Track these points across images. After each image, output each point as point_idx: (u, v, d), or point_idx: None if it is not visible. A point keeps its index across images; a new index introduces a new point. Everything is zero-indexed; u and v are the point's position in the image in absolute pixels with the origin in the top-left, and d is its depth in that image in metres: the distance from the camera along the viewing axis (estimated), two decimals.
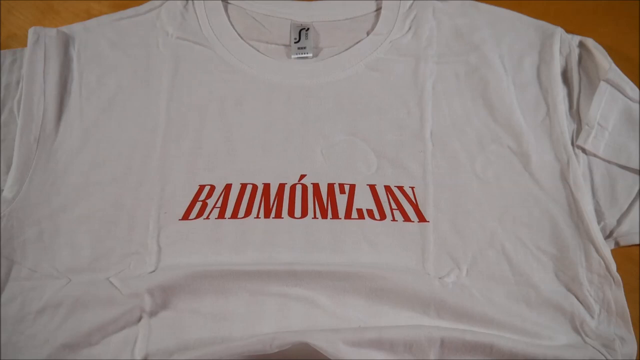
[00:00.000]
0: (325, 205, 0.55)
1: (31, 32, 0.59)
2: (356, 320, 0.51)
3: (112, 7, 0.67)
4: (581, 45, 0.61)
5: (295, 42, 0.62)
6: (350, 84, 0.60)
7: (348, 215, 0.55)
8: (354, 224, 0.54)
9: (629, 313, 0.52)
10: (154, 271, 0.53)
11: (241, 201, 0.55)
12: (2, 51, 0.60)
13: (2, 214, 0.53)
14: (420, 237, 0.54)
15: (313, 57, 0.62)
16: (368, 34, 0.62)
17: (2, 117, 0.57)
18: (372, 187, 0.56)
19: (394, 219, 0.54)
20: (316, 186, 0.56)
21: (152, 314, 0.51)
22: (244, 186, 0.56)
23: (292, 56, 0.62)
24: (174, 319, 0.52)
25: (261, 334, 0.49)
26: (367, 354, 0.49)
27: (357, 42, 0.62)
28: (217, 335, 0.51)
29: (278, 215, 0.55)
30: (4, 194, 0.54)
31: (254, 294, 0.52)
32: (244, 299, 0.52)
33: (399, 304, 0.52)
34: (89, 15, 0.66)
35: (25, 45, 0.59)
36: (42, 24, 0.65)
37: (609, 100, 0.57)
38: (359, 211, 0.55)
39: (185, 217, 0.55)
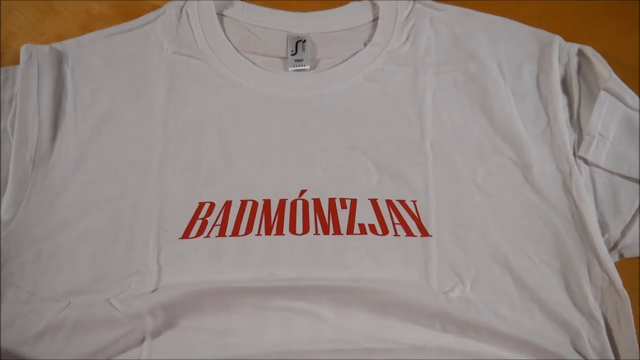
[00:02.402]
0: (327, 220, 0.54)
1: (23, 49, 0.57)
2: (360, 334, 0.51)
3: (112, 7, 0.66)
4: (580, 53, 0.60)
5: (292, 55, 0.61)
6: (348, 96, 0.59)
7: (350, 231, 0.54)
8: (356, 239, 0.54)
9: (634, 330, 0.51)
10: (154, 291, 0.52)
11: (241, 218, 0.54)
12: None
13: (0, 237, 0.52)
14: (423, 252, 0.54)
15: (310, 69, 0.61)
16: (365, 44, 0.62)
17: None
18: (374, 202, 0.55)
19: (396, 234, 0.54)
20: (317, 201, 0.55)
21: (154, 334, 0.51)
22: (244, 203, 0.55)
23: (289, 69, 0.61)
24: (176, 338, 0.51)
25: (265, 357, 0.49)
26: None
27: (354, 53, 0.61)
28: (221, 353, 0.50)
29: (279, 232, 0.54)
30: (0, 216, 0.53)
31: (256, 309, 0.52)
32: (246, 314, 0.52)
33: (404, 317, 0.52)
34: (89, 15, 0.66)
35: (24, 44, 0.58)
36: (42, 24, 0.65)
37: (610, 109, 0.57)
38: (361, 226, 0.54)
39: (186, 235, 0.54)
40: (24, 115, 0.56)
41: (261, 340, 0.51)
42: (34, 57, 0.58)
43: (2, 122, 0.57)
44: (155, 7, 0.65)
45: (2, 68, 0.59)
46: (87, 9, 0.67)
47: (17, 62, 0.58)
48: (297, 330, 0.51)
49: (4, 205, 0.53)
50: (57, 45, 0.60)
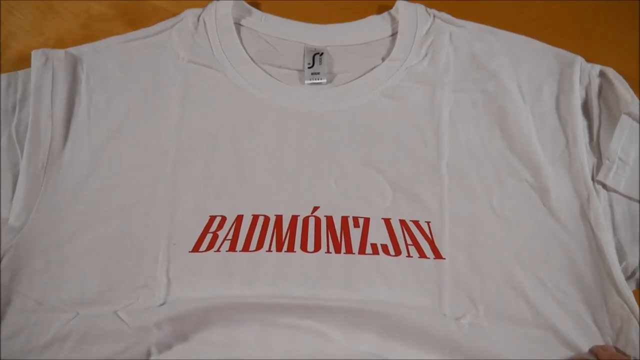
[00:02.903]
0: (339, 239, 0.54)
1: (38, 54, 0.57)
2: (367, 356, 0.50)
3: (112, 7, 0.66)
4: (601, 75, 0.59)
5: (308, 67, 0.60)
6: (365, 111, 0.58)
7: (362, 251, 0.53)
8: (368, 259, 0.53)
9: None
10: (163, 304, 0.51)
11: (252, 233, 0.54)
12: None
13: (10, 244, 0.52)
14: (436, 275, 0.53)
15: (327, 82, 0.60)
16: (383, 59, 0.61)
17: (2, 144, 0.56)
18: (387, 221, 0.54)
19: (409, 255, 0.53)
20: (329, 219, 0.54)
21: (160, 346, 0.51)
22: (255, 217, 0.54)
23: (306, 82, 0.60)
24: (182, 350, 0.51)
25: None
26: None
27: (372, 68, 0.60)
28: None
29: (290, 248, 0.53)
30: (10, 222, 0.53)
31: (264, 325, 0.51)
32: (253, 329, 0.51)
33: (413, 343, 0.51)
34: (89, 15, 0.66)
35: (24, 45, 0.57)
36: (42, 24, 0.64)
37: (631, 133, 0.56)
38: (374, 246, 0.53)
39: (196, 249, 0.53)
40: (37, 121, 0.55)
41: (268, 356, 0.50)
42: (49, 61, 0.57)
43: (8, 129, 0.56)
44: (155, 7, 0.65)
45: (3, 74, 0.58)
46: (87, 9, 0.67)
47: (17, 61, 0.59)
48: (303, 349, 0.50)
49: (14, 212, 0.53)
50: (72, 50, 0.60)
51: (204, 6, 0.63)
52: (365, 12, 0.64)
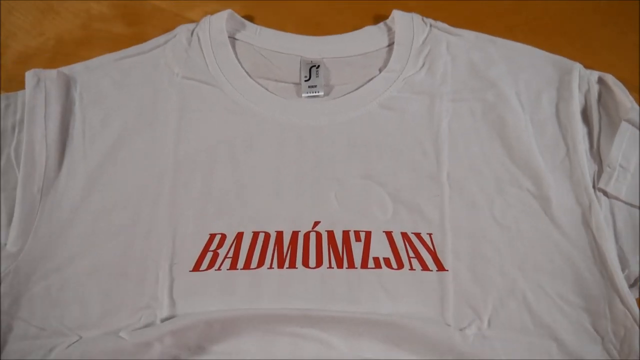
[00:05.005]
0: (341, 254, 0.53)
1: (30, 75, 0.56)
2: None
3: (112, 7, 0.66)
4: (600, 81, 0.59)
5: (305, 80, 0.60)
6: (363, 124, 0.58)
7: (364, 265, 0.53)
8: (370, 273, 0.53)
9: None
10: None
11: (253, 251, 0.53)
12: None
13: (8, 269, 0.51)
14: (439, 287, 0.52)
15: (324, 95, 0.60)
16: (380, 70, 0.60)
17: (1, 165, 0.55)
18: (389, 234, 0.54)
19: (411, 268, 0.53)
20: (331, 234, 0.54)
21: (164, 355, 0.50)
22: (256, 234, 0.54)
23: (303, 95, 0.59)
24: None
25: None
26: None
27: (369, 80, 0.60)
28: None
29: (292, 265, 0.53)
30: (7, 247, 0.52)
31: (266, 333, 0.51)
32: (256, 338, 0.51)
33: (417, 352, 0.50)
34: (89, 15, 0.66)
35: (24, 45, 0.57)
36: (42, 24, 0.65)
37: (631, 140, 0.55)
38: (376, 260, 0.53)
39: (196, 268, 0.53)
40: (31, 144, 0.55)
41: None
42: (41, 82, 0.56)
43: (7, 150, 0.56)
44: (155, 7, 0.65)
45: (3, 94, 0.58)
46: (87, 9, 0.67)
47: (17, 62, 0.58)
48: (305, 357, 0.50)
49: (11, 237, 0.52)
50: (65, 69, 0.59)
51: (204, 7, 0.62)
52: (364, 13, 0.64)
